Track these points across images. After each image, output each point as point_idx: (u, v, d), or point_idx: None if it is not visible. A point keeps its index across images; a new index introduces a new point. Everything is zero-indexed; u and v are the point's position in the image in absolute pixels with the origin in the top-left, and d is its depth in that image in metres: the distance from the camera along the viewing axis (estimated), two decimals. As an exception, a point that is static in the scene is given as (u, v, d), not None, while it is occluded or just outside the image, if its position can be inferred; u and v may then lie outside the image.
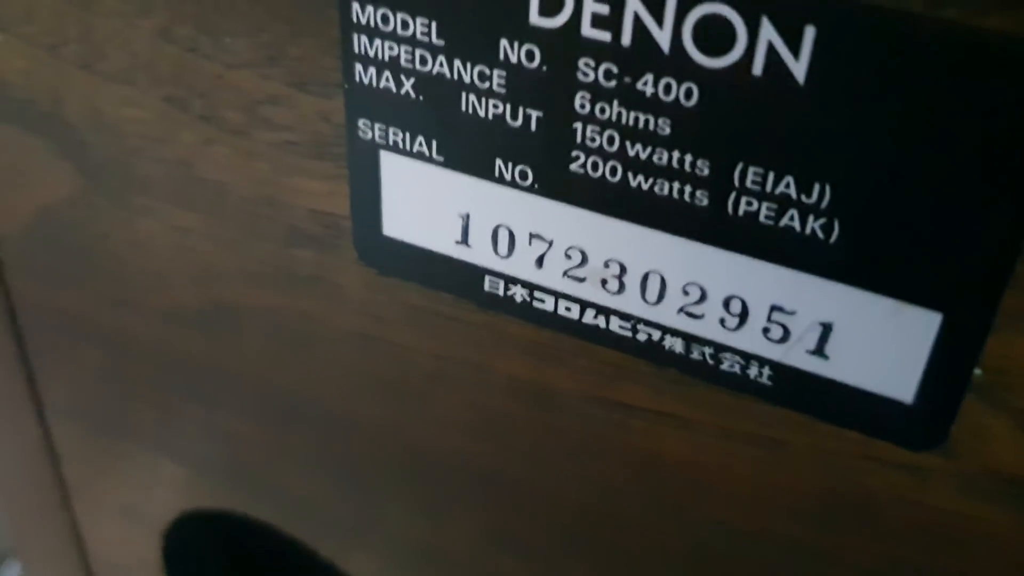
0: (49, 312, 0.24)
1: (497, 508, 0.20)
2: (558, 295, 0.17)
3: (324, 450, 0.22)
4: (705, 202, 0.15)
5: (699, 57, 0.14)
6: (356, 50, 0.16)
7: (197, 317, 0.22)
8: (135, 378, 0.24)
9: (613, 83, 0.14)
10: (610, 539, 0.20)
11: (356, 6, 0.16)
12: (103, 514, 0.29)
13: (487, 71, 0.15)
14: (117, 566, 0.30)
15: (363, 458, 0.22)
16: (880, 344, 0.15)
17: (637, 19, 0.14)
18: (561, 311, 0.17)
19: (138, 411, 0.25)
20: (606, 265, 0.16)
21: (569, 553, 0.21)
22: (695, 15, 0.13)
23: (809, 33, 0.13)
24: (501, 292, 0.17)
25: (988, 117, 0.12)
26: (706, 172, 0.14)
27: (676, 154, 0.15)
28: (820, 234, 0.14)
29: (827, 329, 0.15)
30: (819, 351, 0.15)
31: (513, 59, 0.15)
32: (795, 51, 0.13)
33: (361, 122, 0.17)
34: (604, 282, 0.16)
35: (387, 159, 0.17)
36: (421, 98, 0.16)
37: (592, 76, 0.15)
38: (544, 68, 0.15)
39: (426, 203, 0.17)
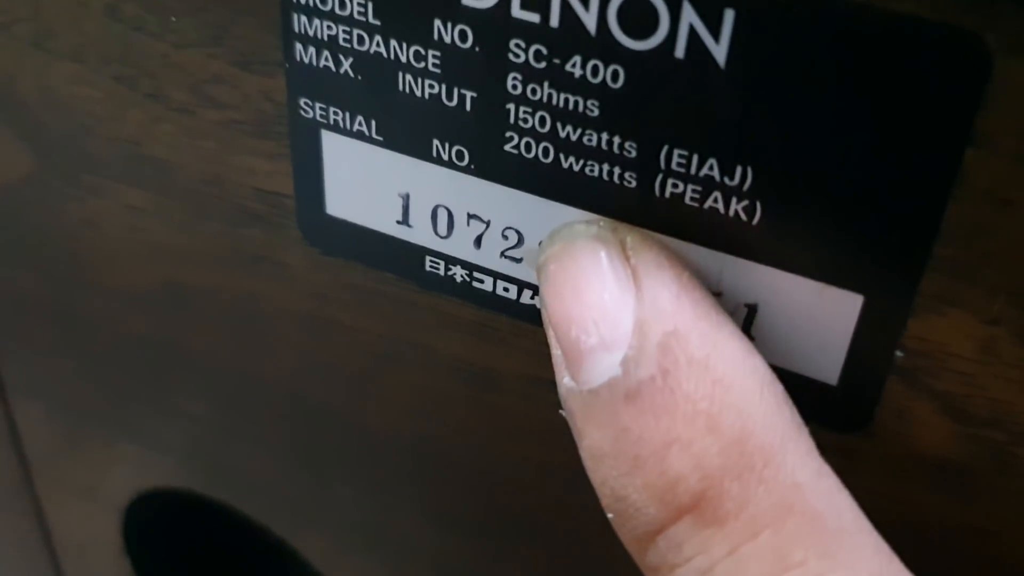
0: (7, 290, 0.24)
1: (442, 488, 0.21)
2: (496, 276, 0.17)
3: (275, 430, 0.22)
4: (633, 183, 0.15)
5: (624, 39, 0.14)
6: (295, 29, 0.16)
7: (149, 296, 0.22)
8: (91, 357, 0.24)
9: (543, 64, 0.15)
10: (553, 520, 0.20)
11: (295, -15, 0.16)
12: (64, 493, 0.29)
13: (422, 51, 0.15)
14: (79, 545, 0.31)
15: (312, 438, 0.22)
16: (804, 326, 0.15)
17: (564, 1, 0.14)
18: (500, 291, 0.17)
19: (95, 390, 0.25)
20: (541, 246, 0.16)
21: (514, 533, 0.21)
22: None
23: (728, 16, 0.13)
24: (442, 272, 0.18)
25: (902, 100, 0.13)
26: (634, 154, 0.15)
27: (605, 136, 0.15)
28: (743, 216, 0.14)
29: (752, 310, 0.15)
30: (746, 332, 0.15)
31: (447, 39, 0.15)
32: (715, 34, 0.13)
33: (302, 101, 0.17)
34: (540, 263, 0.17)
35: (328, 138, 0.17)
36: (359, 77, 0.16)
37: (523, 57, 0.15)
38: (477, 49, 0.15)
39: (367, 183, 0.17)
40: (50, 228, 0.22)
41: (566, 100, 0.15)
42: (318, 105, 0.17)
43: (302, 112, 0.17)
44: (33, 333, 0.25)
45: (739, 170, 0.14)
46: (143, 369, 0.24)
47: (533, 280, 0.17)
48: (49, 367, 0.26)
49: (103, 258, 0.22)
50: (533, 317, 0.17)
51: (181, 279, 0.21)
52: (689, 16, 0.13)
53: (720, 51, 0.13)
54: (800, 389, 0.15)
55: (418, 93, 0.16)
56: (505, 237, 0.17)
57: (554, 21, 0.14)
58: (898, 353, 0.15)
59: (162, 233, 0.20)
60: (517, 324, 0.18)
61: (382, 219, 0.18)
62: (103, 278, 0.22)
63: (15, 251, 0.23)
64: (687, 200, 0.15)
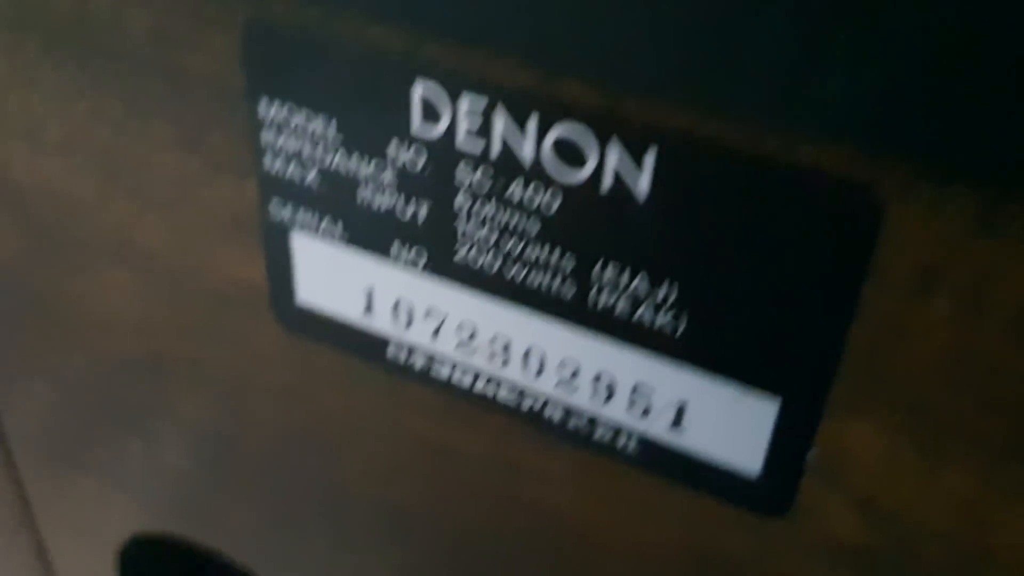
0: (8, 350, 0.26)
1: (411, 547, 0.22)
2: (453, 364, 0.18)
3: (257, 487, 0.24)
4: (571, 293, 0.16)
5: (555, 173, 0.15)
6: (264, 142, 0.18)
7: (137, 363, 0.23)
8: (84, 413, 0.26)
9: (488, 187, 0.16)
10: (512, 579, 0.21)
11: (263, 103, 0.17)
12: (64, 533, 0.31)
13: (379, 168, 0.17)
14: (78, 580, 0.32)
15: (292, 495, 0.23)
16: (729, 423, 0.16)
17: (503, 138, 0.15)
18: (456, 379, 0.19)
19: (87, 443, 0.27)
20: (493, 340, 0.18)
21: (477, 590, 0.22)
22: (552, 135, 0.15)
23: (649, 159, 0.14)
24: (403, 359, 0.19)
25: (806, 239, 0.14)
26: (571, 268, 0.16)
27: (545, 250, 0.16)
28: (668, 327, 0.16)
29: (682, 407, 0.16)
30: (677, 425, 0.17)
31: (400, 160, 0.16)
32: (636, 173, 0.14)
33: (273, 204, 0.18)
34: (492, 355, 0.18)
35: (298, 237, 0.19)
36: (324, 186, 0.18)
37: (469, 180, 0.16)
38: (427, 171, 0.16)
39: (334, 277, 0.19)
40: (44, 299, 0.24)
41: (510, 218, 0.16)
42: (287, 208, 0.18)
43: (272, 215, 0.18)
44: (31, 388, 0.27)
45: (664, 286, 0.15)
46: (136, 427, 0.25)
47: (486, 370, 0.18)
48: (46, 419, 0.27)
49: (94, 327, 0.23)
50: (484, 402, 0.19)
51: (167, 351, 0.22)
52: (613, 156, 0.14)
53: (642, 187, 0.15)
54: (727, 476, 0.17)
55: (376, 203, 0.17)
56: (460, 330, 0.18)
57: (494, 154, 0.15)
58: (813, 450, 0.16)
59: (148, 310, 0.22)
60: (471, 407, 0.19)
61: (349, 309, 0.19)
62: (93, 344, 0.24)
63: (14, 315, 0.25)
64: (618, 311, 0.16)
